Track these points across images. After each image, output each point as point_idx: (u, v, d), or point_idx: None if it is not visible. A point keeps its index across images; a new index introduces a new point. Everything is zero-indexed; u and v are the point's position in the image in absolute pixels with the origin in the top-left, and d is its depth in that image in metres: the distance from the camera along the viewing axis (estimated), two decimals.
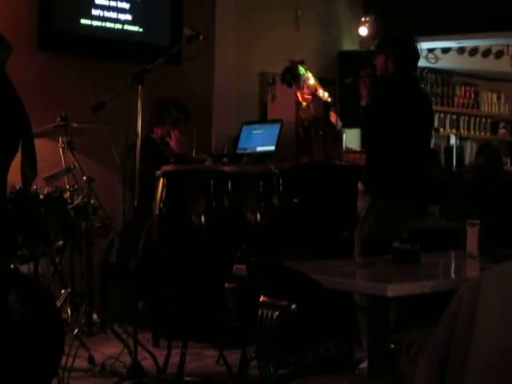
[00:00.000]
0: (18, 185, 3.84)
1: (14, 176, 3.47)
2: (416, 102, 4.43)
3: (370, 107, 4.40)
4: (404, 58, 4.40)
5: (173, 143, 5.03)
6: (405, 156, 4.31)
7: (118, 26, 5.87)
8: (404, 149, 4.30)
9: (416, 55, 4.47)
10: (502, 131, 9.52)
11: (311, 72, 6.00)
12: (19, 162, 3.42)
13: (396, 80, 4.36)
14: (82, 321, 4.26)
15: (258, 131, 5.79)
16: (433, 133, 5.78)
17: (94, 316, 4.53)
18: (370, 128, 4.39)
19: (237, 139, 5.88)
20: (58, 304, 4.22)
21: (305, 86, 5.88)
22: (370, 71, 4.55)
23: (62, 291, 4.44)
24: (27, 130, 3.37)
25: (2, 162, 3.27)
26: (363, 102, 4.44)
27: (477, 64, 8.89)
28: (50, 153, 4.64)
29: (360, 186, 4.40)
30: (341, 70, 7.21)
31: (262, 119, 6.40)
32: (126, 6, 5.90)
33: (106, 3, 5.80)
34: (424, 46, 4.56)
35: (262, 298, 2.71)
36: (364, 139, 4.47)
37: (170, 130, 5.07)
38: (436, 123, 8.57)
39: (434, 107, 6.60)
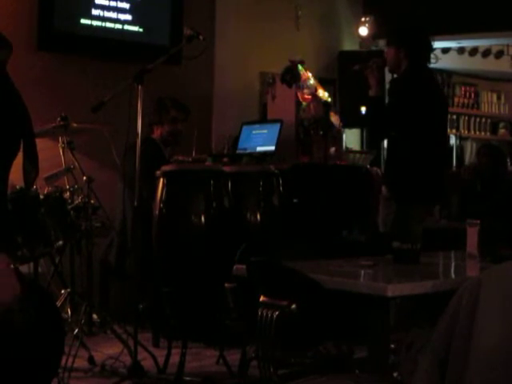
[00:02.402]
0: (18, 184, 3.84)
1: (14, 176, 3.46)
2: (433, 100, 4.38)
3: (379, 98, 4.35)
4: (417, 51, 4.33)
5: None
6: (431, 158, 4.27)
7: (118, 26, 5.86)
8: (430, 151, 4.26)
9: (429, 47, 4.42)
10: (502, 131, 9.52)
11: (311, 72, 6.00)
12: (20, 162, 3.42)
13: (413, 77, 4.29)
14: (82, 321, 4.26)
15: (257, 131, 5.79)
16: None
17: (94, 316, 4.53)
18: (383, 119, 4.31)
19: (237, 139, 5.88)
20: (58, 304, 4.21)
21: (305, 86, 5.88)
22: (380, 62, 4.51)
23: (62, 291, 4.44)
24: (28, 128, 3.37)
25: (3, 161, 3.27)
26: (372, 92, 4.39)
27: (477, 64, 8.89)
28: (50, 153, 4.63)
29: (385, 191, 4.32)
30: (341, 70, 7.21)
31: (262, 119, 6.40)
32: (126, 6, 5.90)
33: (106, 3, 5.80)
34: (418, 39, 4.53)
35: (262, 298, 2.71)
36: (372, 133, 4.41)
37: (169, 129, 5.07)
38: None
39: None
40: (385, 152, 7.42)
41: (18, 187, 3.88)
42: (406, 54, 4.30)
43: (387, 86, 5.96)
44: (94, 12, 5.74)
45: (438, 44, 7.99)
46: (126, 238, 4.69)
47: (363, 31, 7.40)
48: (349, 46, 7.49)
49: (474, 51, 8.70)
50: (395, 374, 2.50)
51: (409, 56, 4.30)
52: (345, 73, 7.09)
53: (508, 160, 8.62)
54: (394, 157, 4.41)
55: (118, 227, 4.76)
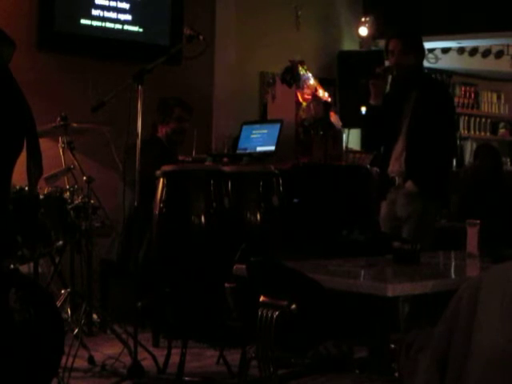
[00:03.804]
0: (19, 184, 3.84)
1: (14, 176, 3.46)
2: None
3: (380, 108, 4.36)
4: (423, 54, 4.45)
5: None
6: (451, 156, 4.36)
7: (118, 26, 5.87)
8: (451, 149, 4.34)
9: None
10: (501, 131, 9.52)
11: (311, 72, 6.00)
12: (20, 162, 3.42)
13: (438, 81, 4.39)
14: (82, 321, 4.26)
15: (257, 131, 5.79)
16: None
17: (94, 316, 4.53)
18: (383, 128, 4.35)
19: (237, 139, 5.88)
20: (58, 304, 4.21)
21: (305, 86, 5.88)
22: (390, 69, 4.50)
23: (62, 291, 4.44)
24: (32, 128, 3.37)
25: (6, 162, 3.27)
26: (374, 101, 4.38)
27: (477, 64, 8.88)
28: (50, 153, 4.63)
29: (412, 187, 4.27)
30: (341, 70, 7.21)
31: (262, 119, 6.40)
32: (126, 6, 5.91)
33: (106, 3, 5.81)
34: (424, 45, 4.59)
35: (262, 298, 2.71)
36: (366, 141, 4.47)
37: (174, 127, 5.07)
38: None
39: None
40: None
41: (17, 187, 3.88)
42: (415, 56, 4.34)
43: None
44: (94, 12, 5.74)
45: (438, 44, 8.03)
46: (129, 237, 4.68)
47: (363, 31, 7.41)
48: (349, 45, 7.49)
49: (474, 51, 8.69)
50: (396, 374, 2.50)
51: (419, 58, 4.37)
52: (345, 73, 7.10)
53: (508, 160, 8.64)
54: (421, 153, 4.31)
55: (121, 227, 4.75)
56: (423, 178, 4.24)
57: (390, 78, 4.61)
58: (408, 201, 4.27)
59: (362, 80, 4.54)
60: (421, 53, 4.41)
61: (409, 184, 4.26)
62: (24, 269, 4.10)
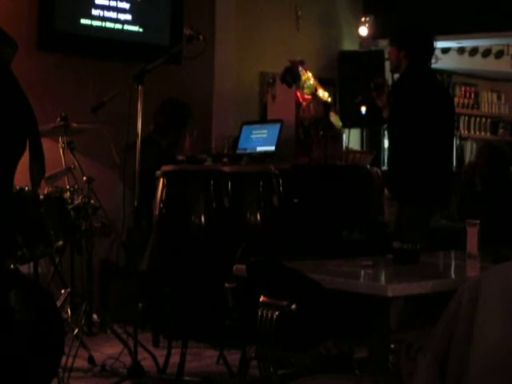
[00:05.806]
0: (18, 184, 3.84)
1: (15, 176, 3.47)
2: (435, 100, 4.38)
3: (394, 117, 4.37)
4: (416, 51, 4.36)
5: (187, 146, 5.01)
6: (431, 158, 4.28)
7: (118, 26, 5.87)
8: (429, 150, 4.27)
9: (429, 49, 4.44)
10: (501, 131, 9.53)
11: (311, 72, 6.00)
12: (20, 162, 3.42)
13: (411, 77, 4.33)
14: (82, 321, 4.26)
15: (257, 131, 5.79)
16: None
17: (94, 316, 4.53)
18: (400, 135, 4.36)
19: (237, 139, 5.88)
20: (58, 304, 4.21)
21: (305, 86, 5.88)
22: (382, 80, 4.54)
23: (62, 291, 4.44)
24: (34, 129, 3.37)
25: (9, 162, 3.27)
26: (385, 114, 4.41)
27: (477, 64, 8.89)
28: (50, 153, 4.61)
29: (387, 192, 4.39)
30: (341, 70, 7.21)
31: (262, 119, 6.40)
32: (126, 5, 5.90)
33: (106, 3, 5.81)
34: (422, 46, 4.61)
35: (262, 298, 2.71)
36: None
37: (183, 135, 5.02)
38: None
39: None
40: (385, 152, 7.44)
41: (17, 187, 3.88)
42: (405, 54, 4.33)
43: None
44: (94, 12, 5.74)
45: (438, 44, 8.00)
46: (129, 237, 4.67)
47: (363, 31, 7.40)
48: (349, 45, 7.49)
49: (474, 51, 8.69)
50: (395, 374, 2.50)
51: (408, 56, 4.33)
52: (345, 73, 7.10)
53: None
54: (394, 157, 4.45)
55: (121, 227, 4.75)
56: (392, 182, 4.34)
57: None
58: (387, 204, 4.38)
59: (358, 97, 4.62)
60: (411, 51, 4.36)
61: (385, 189, 4.44)
62: (24, 269, 4.10)
